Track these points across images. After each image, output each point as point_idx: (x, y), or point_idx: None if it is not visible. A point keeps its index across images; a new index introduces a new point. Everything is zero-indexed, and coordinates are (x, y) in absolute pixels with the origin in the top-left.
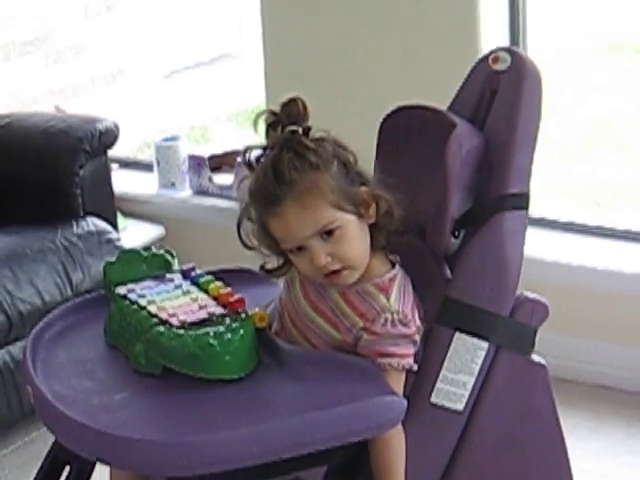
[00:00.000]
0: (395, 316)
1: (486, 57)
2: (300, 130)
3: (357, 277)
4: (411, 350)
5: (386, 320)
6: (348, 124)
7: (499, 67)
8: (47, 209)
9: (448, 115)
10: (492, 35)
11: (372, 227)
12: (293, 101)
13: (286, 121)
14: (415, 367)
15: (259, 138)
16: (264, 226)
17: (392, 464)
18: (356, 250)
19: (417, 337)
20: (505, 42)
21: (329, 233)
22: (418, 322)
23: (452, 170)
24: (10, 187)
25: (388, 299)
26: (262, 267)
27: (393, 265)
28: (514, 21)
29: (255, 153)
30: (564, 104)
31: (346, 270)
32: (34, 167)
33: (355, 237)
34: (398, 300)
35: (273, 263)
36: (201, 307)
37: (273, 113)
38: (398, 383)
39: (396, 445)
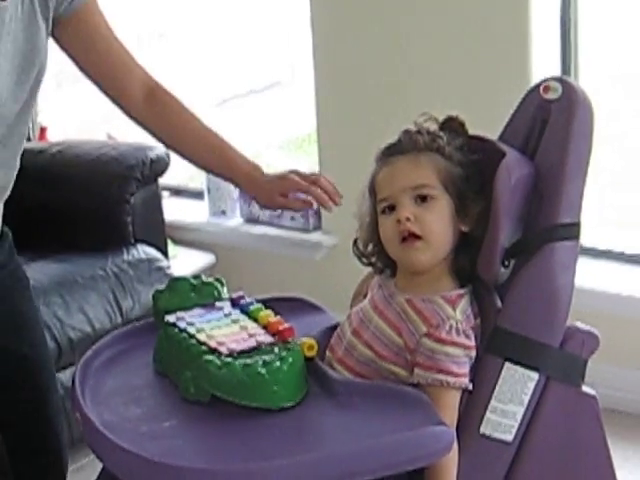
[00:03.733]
0: (460, 325)
1: (537, 86)
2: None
3: (429, 259)
4: (467, 369)
5: (451, 327)
6: None
7: (550, 96)
8: (98, 236)
9: (498, 144)
10: (543, 64)
11: (461, 246)
12: (452, 119)
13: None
14: (470, 386)
15: (312, 165)
16: (373, 184)
17: None
18: (438, 227)
19: (474, 353)
20: (556, 71)
21: (423, 199)
22: (474, 342)
23: (501, 199)
24: (61, 214)
25: (454, 310)
26: (355, 242)
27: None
28: (565, 50)
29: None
30: (616, 132)
31: (421, 241)
32: (85, 194)
33: (443, 217)
34: (463, 314)
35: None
36: (250, 335)
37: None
38: (454, 402)
39: (452, 473)
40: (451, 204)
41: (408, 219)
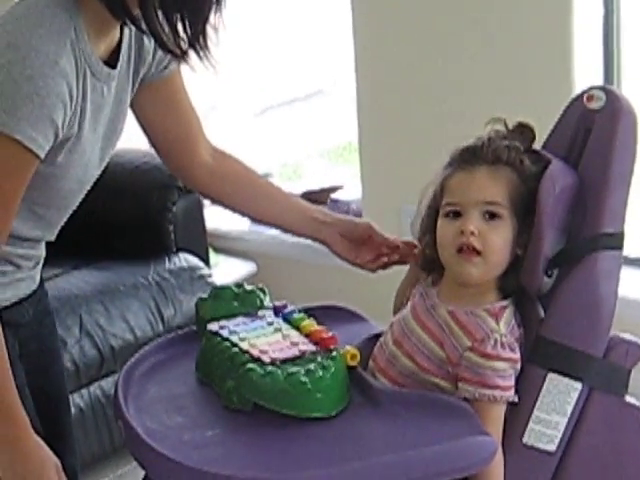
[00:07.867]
0: (504, 339)
1: (580, 96)
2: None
3: (481, 276)
4: (513, 381)
5: (496, 341)
6: (441, 161)
7: (594, 106)
8: (140, 245)
9: (542, 153)
10: (587, 74)
11: (512, 266)
12: (524, 126)
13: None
14: (516, 398)
15: (353, 174)
16: (443, 183)
17: None
18: (499, 247)
19: (519, 365)
20: (599, 80)
21: (491, 216)
22: (519, 354)
23: (545, 208)
24: (103, 223)
25: (497, 323)
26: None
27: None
28: (609, 60)
29: None
30: None
31: (479, 257)
32: (127, 203)
33: (506, 239)
34: (507, 327)
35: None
36: (293, 344)
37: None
38: (500, 415)
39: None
40: (515, 227)
41: (472, 233)
